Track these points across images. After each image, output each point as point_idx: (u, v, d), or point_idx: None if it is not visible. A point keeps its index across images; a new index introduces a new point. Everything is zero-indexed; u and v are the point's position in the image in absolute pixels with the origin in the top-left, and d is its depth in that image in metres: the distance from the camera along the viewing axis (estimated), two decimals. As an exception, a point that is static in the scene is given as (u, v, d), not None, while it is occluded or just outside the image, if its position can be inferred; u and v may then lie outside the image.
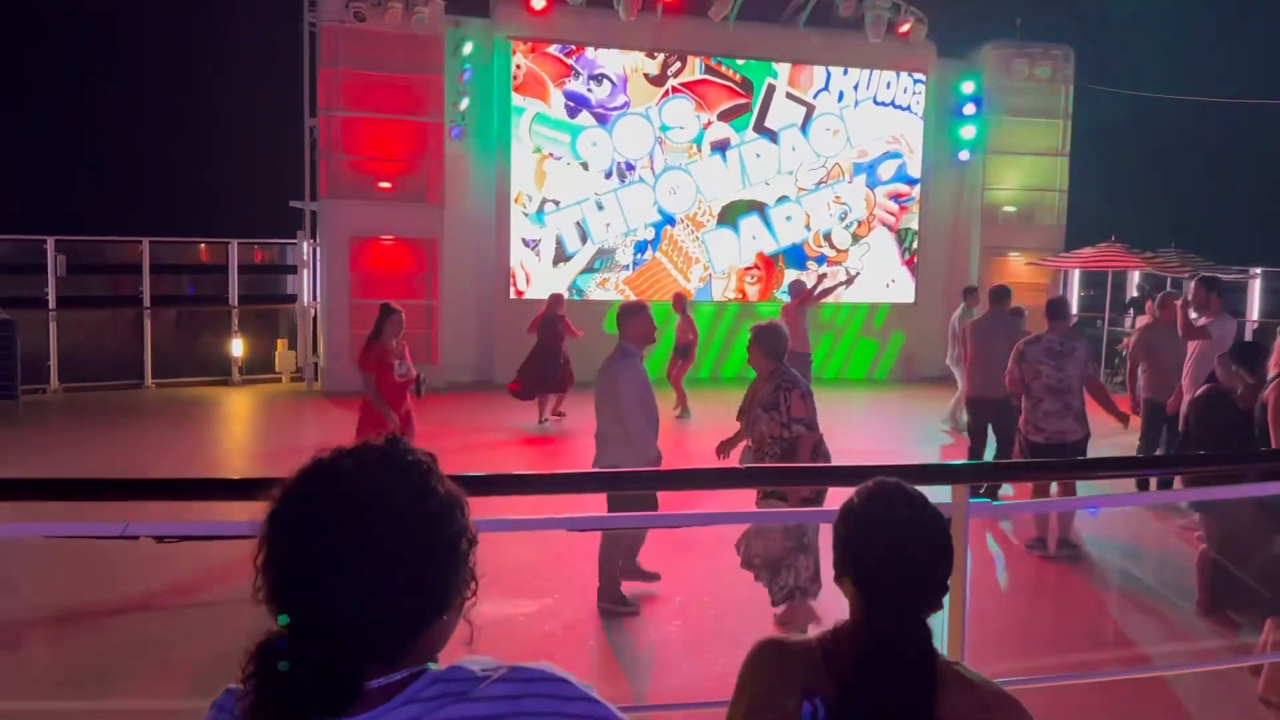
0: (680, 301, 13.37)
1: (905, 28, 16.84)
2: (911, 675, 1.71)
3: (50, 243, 14.58)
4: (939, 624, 2.17)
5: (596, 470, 5.59)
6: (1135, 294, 17.75)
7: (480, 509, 1.41)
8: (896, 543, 1.79)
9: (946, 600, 1.89)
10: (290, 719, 1.14)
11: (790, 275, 17.17)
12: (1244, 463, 4.48)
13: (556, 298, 12.69)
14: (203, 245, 17.31)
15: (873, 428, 12.92)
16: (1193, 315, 8.21)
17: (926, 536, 1.80)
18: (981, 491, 7.82)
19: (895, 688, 1.70)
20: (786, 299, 16.73)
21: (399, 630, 1.19)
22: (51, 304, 14.56)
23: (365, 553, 1.17)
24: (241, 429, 12.81)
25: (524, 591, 6.14)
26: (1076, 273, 18.43)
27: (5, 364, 12.22)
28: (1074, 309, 17.95)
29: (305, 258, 15.72)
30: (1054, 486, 7.28)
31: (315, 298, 15.68)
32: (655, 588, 6.19)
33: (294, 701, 1.14)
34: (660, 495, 5.88)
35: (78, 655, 5.22)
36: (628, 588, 6.02)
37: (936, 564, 1.80)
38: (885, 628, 1.75)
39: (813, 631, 1.97)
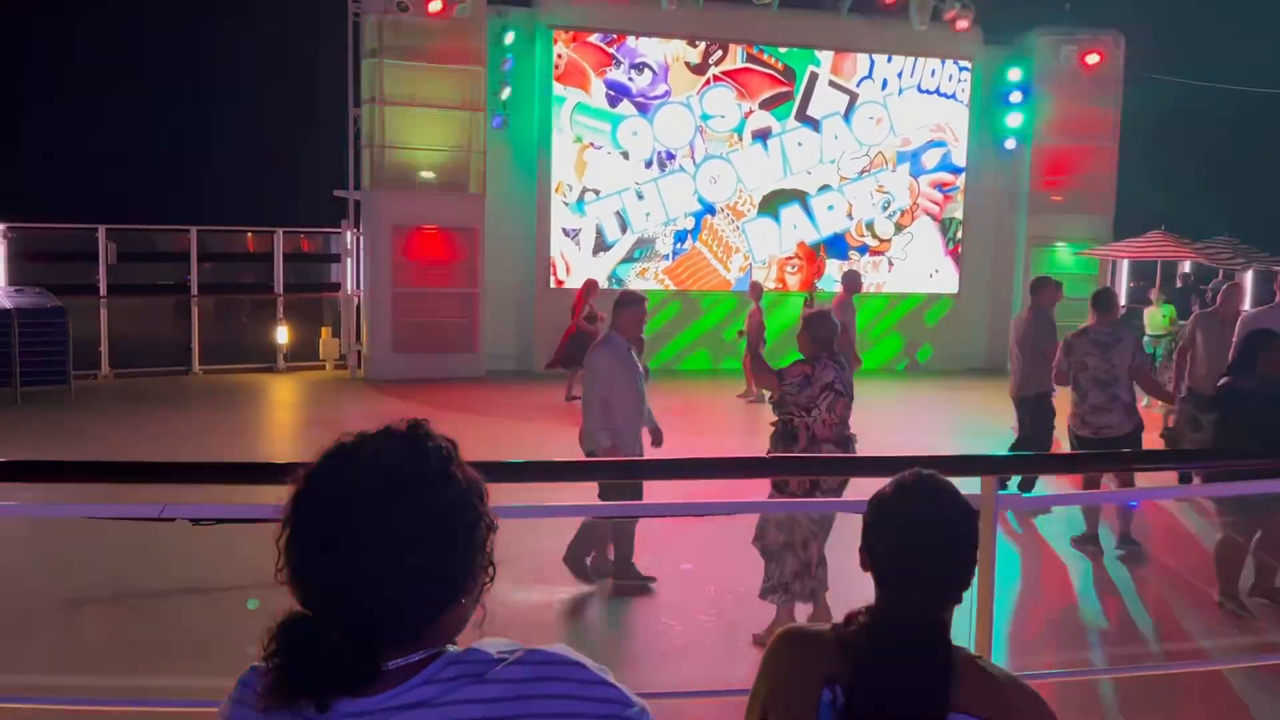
0: (757, 289, 13.55)
1: (951, 14, 16.59)
2: (921, 664, 1.70)
3: (101, 231, 14.87)
4: (967, 617, 2.16)
5: (615, 460, 5.63)
6: (1182, 284, 17.40)
7: (512, 496, 1.43)
8: (912, 532, 1.79)
9: (974, 594, 1.88)
10: (310, 697, 1.16)
11: (831, 265, 17.08)
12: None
13: (586, 284, 13.07)
14: (249, 234, 17.57)
15: (920, 419, 12.78)
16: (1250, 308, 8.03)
17: (946, 529, 1.79)
18: (1010, 484, 7.74)
19: (903, 676, 1.69)
20: (823, 288, 16.66)
21: (417, 612, 1.21)
22: (102, 291, 14.86)
23: (385, 535, 1.19)
24: (286, 415, 13.00)
25: (559, 579, 6.17)
26: (1125, 263, 18.10)
27: (57, 349, 12.50)
28: (1122, 299, 17.64)
29: (349, 247, 15.89)
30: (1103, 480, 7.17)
31: (359, 286, 15.85)
32: (688, 573, 6.23)
33: (314, 680, 1.16)
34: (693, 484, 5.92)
35: (123, 634, 5.35)
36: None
37: (954, 557, 1.78)
38: (895, 615, 1.75)
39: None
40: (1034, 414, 8.25)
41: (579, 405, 11.54)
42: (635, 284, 16.05)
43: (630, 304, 6.19)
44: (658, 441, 6.23)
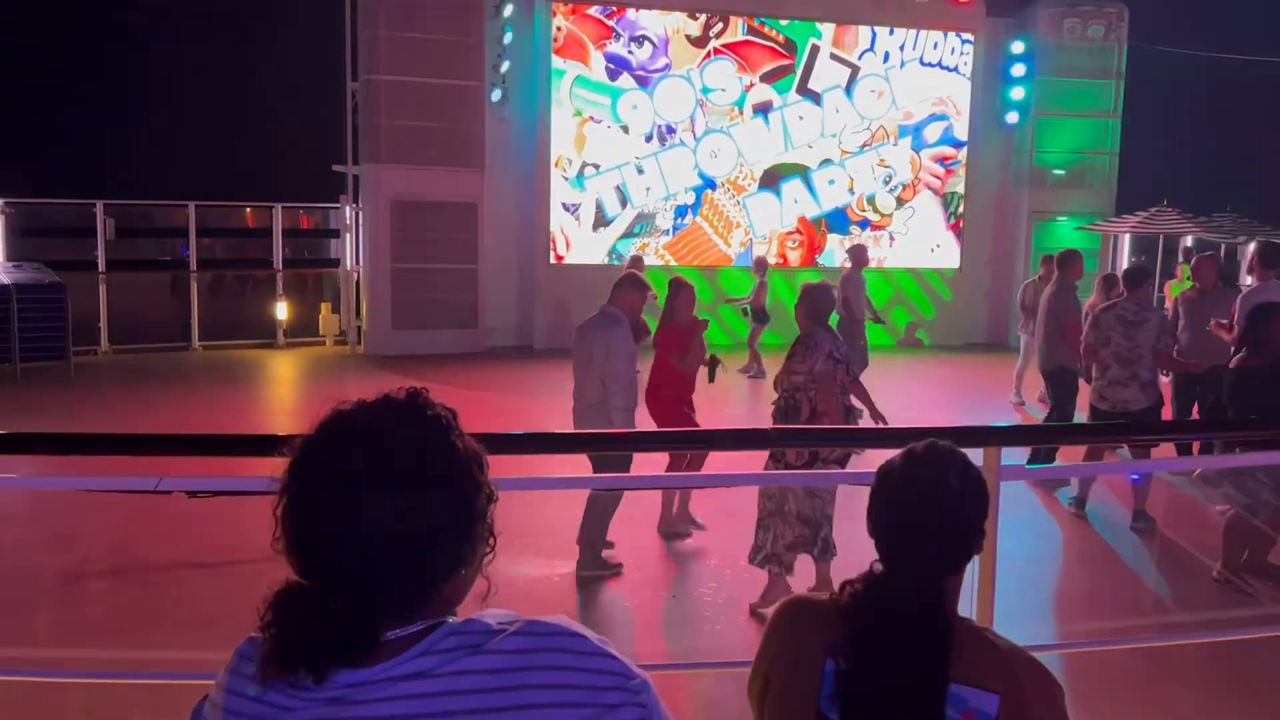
0: (762, 264, 13.54)
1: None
2: (916, 633, 1.69)
3: (99, 206, 14.82)
4: (969, 588, 2.15)
5: (620, 430, 5.61)
6: (1184, 259, 17.35)
7: (512, 468, 1.41)
8: (911, 500, 1.77)
9: (976, 566, 1.86)
10: (307, 667, 1.15)
11: (832, 240, 17.03)
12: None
13: (634, 260, 12.99)
14: (248, 209, 17.51)
15: (922, 394, 12.78)
16: (1248, 280, 8.02)
17: (946, 498, 1.77)
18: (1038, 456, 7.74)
19: (897, 644, 1.68)
20: (825, 263, 16.62)
21: (415, 582, 1.19)
22: (101, 267, 14.82)
23: (383, 504, 1.17)
24: (285, 391, 13.00)
25: (559, 553, 6.18)
26: (1127, 237, 18.05)
27: (56, 325, 12.49)
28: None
29: (348, 222, 15.83)
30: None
31: (358, 262, 15.81)
32: (689, 545, 6.22)
33: (311, 650, 1.15)
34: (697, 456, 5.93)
35: (122, 608, 5.36)
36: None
37: (954, 527, 1.77)
38: (891, 583, 1.74)
39: None
40: (1057, 386, 8.27)
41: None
42: (635, 259, 16.01)
43: (643, 290, 6.25)
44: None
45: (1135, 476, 7.03)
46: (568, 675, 1.17)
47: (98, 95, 21.60)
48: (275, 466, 1.23)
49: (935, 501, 1.77)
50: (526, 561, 5.93)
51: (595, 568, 5.87)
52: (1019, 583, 5.66)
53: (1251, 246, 15.47)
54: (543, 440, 2.92)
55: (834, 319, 11.09)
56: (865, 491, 1.88)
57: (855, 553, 1.97)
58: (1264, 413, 5.51)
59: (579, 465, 5.86)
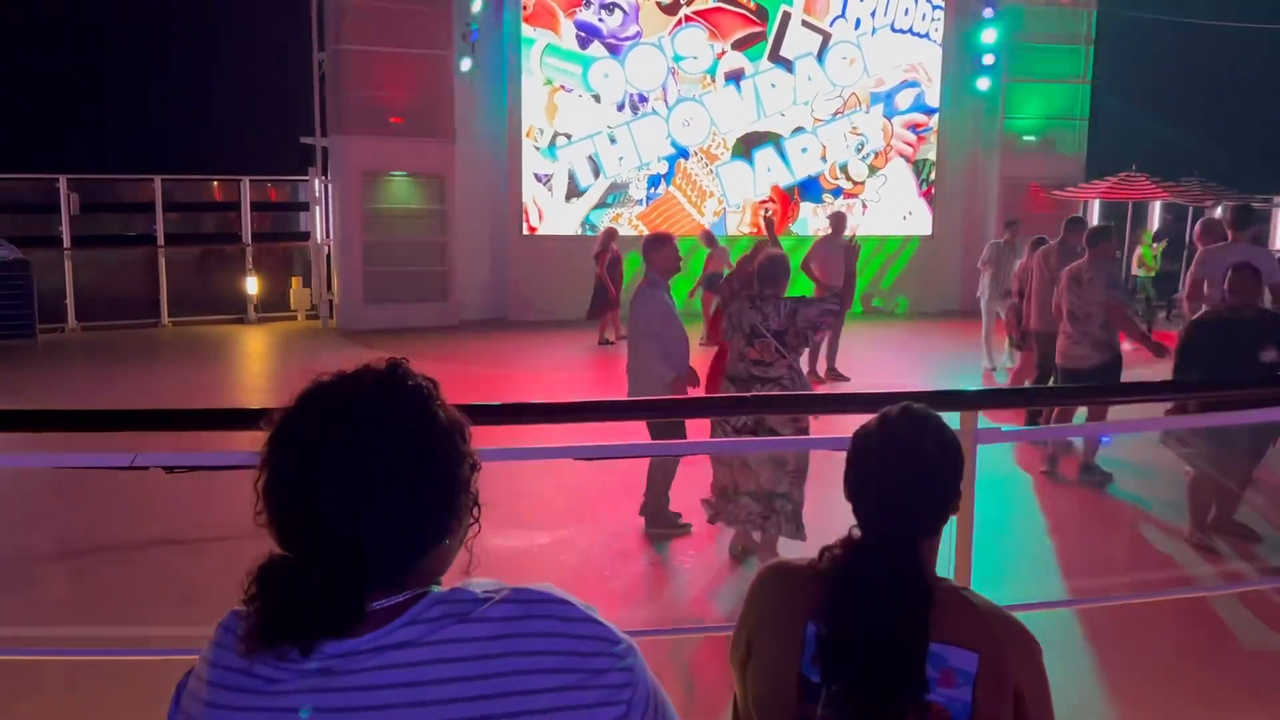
0: (709, 236, 13.47)
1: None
2: (895, 595, 1.71)
3: (62, 181, 14.56)
4: (947, 548, 2.17)
5: (600, 401, 5.67)
6: (1158, 225, 17.52)
7: (491, 440, 1.40)
8: (883, 465, 1.79)
9: (954, 527, 1.88)
10: (293, 639, 1.15)
11: (805, 208, 17.03)
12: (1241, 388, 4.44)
13: (607, 232, 13.65)
14: (215, 183, 17.25)
15: (897, 360, 12.86)
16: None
17: (919, 460, 1.79)
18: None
19: (877, 607, 1.70)
20: (800, 232, 16.63)
21: (400, 553, 1.19)
22: (66, 243, 14.58)
23: (365, 474, 1.16)
24: (258, 366, 12.89)
25: (540, 522, 6.20)
26: (1097, 203, 18.16)
27: (22, 303, 12.31)
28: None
29: (317, 194, 15.65)
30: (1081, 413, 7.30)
31: (328, 235, 15.64)
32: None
33: (297, 622, 1.14)
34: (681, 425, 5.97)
35: (102, 586, 5.33)
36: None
37: (927, 488, 1.78)
38: (868, 548, 1.75)
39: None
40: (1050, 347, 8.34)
41: (597, 350, 11.40)
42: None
43: (664, 243, 6.29)
44: (694, 382, 6.20)
45: (1106, 439, 7.14)
46: (554, 642, 1.18)
47: (58, 68, 21.17)
48: (255, 440, 1.22)
49: (911, 464, 1.79)
50: (508, 533, 5.94)
51: (661, 524, 6.06)
52: (997, 543, 5.73)
53: (1219, 211, 15.65)
54: (521, 411, 2.92)
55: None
56: (839, 457, 1.89)
57: (825, 517, 1.98)
58: (1204, 367, 5.60)
59: (578, 435, 5.79)
